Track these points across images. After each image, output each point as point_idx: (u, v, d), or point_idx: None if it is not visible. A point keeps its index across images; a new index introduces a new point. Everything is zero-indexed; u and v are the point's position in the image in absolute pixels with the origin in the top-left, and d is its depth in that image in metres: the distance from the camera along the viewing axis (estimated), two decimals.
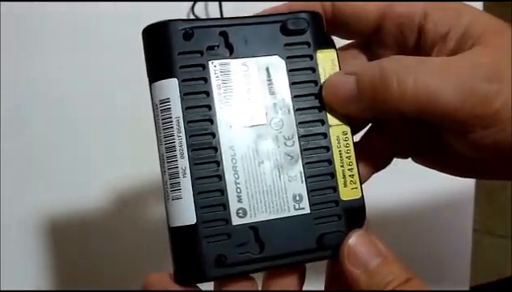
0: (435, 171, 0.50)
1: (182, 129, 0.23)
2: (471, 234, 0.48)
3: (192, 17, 0.56)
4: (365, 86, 0.23)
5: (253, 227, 0.23)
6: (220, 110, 0.24)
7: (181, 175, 0.23)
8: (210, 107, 0.24)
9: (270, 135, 0.24)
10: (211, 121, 0.23)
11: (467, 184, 0.50)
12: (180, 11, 0.57)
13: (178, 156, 0.23)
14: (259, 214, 0.23)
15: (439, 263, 0.47)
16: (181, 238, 0.23)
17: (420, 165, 0.51)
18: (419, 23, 0.25)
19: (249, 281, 0.24)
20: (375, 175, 0.50)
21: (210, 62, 0.24)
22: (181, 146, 0.23)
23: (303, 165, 0.24)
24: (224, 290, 0.23)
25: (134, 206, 0.48)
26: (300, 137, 0.24)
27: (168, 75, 0.24)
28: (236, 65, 0.24)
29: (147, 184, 0.48)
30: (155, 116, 0.24)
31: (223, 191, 0.23)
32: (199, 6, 0.57)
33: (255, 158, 0.23)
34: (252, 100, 0.24)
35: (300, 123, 0.24)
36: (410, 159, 0.52)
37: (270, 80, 0.24)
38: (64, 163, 0.49)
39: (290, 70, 0.25)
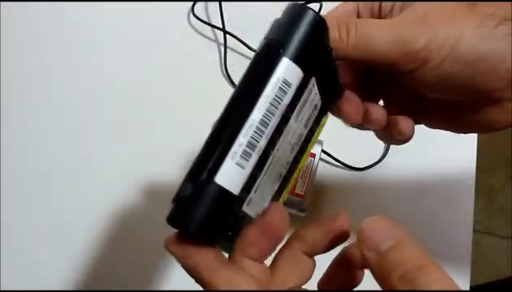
0: (435, 172, 0.50)
1: (278, 118, 0.25)
2: (471, 233, 0.48)
3: (192, 17, 0.56)
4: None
5: (244, 216, 0.26)
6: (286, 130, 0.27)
7: (255, 150, 0.24)
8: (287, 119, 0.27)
9: (289, 149, 0.28)
10: (281, 132, 0.26)
11: (467, 184, 0.50)
12: (180, 11, 0.57)
13: (264, 133, 0.24)
14: (252, 209, 0.26)
15: (439, 263, 0.47)
16: (217, 196, 0.23)
17: (420, 165, 0.51)
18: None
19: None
20: (375, 176, 0.50)
21: None
22: (270, 128, 0.25)
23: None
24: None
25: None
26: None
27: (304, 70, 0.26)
28: None
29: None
30: (266, 84, 0.24)
31: (255, 180, 0.25)
32: (199, 6, 0.57)
33: (276, 164, 0.27)
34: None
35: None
36: (411, 163, 0.52)
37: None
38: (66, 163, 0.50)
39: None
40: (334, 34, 0.28)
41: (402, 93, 0.33)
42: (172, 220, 0.23)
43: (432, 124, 0.34)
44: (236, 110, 0.24)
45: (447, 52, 0.26)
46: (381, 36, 0.27)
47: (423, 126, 0.34)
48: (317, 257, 0.28)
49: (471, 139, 0.52)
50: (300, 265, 0.27)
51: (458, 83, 0.27)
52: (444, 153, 0.51)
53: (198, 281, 0.24)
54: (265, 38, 0.25)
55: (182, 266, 0.24)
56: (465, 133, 0.32)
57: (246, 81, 0.25)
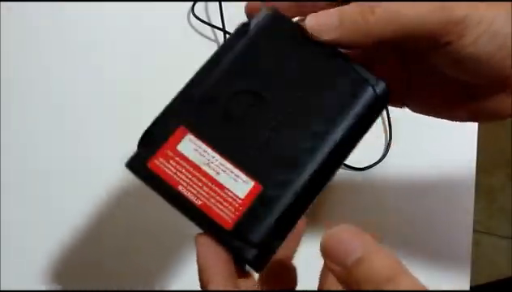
0: (435, 172, 0.50)
1: None
2: (471, 233, 0.48)
3: (192, 17, 0.56)
4: (346, 15, 0.26)
5: None
6: None
7: None
8: None
9: None
10: None
11: (467, 184, 0.50)
12: (180, 11, 0.57)
13: None
14: None
15: (439, 263, 0.47)
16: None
17: (420, 165, 0.51)
18: None
19: None
20: (375, 176, 0.50)
21: None
22: None
23: None
24: None
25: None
26: None
27: None
28: None
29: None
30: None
31: None
32: (199, 6, 0.57)
33: None
34: None
35: None
36: (411, 163, 0.52)
37: None
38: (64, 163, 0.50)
39: None
40: (360, 12, 0.26)
41: (408, 70, 0.32)
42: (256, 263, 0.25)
43: (428, 109, 0.33)
44: (317, 182, 0.29)
45: (483, 29, 0.26)
46: (411, 8, 0.26)
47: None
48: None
49: (471, 138, 0.52)
50: (283, 273, 0.28)
51: (489, 64, 0.27)
52: (444, 153, 0.51)
53: (202, 285, 0.25)
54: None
55: (198, 263, 0.25)
56: (463, 121, 0.32)
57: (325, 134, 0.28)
